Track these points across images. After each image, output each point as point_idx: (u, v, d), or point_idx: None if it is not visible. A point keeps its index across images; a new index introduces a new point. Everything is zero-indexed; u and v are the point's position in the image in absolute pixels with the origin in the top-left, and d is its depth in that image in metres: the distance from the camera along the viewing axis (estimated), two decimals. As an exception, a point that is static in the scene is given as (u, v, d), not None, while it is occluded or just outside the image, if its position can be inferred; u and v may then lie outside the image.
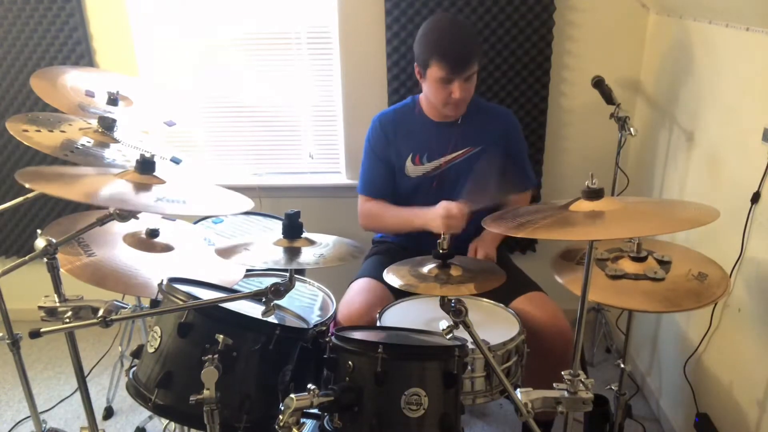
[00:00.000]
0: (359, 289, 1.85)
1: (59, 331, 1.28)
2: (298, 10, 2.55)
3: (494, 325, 1.62)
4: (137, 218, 1.52)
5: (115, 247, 1.61)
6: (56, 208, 2.78)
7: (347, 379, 1.25)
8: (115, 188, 1.32)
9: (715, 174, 1.89)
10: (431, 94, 1.92)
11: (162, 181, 1.40)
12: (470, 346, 1.35)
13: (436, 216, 1.83)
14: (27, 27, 2.51)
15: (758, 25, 1.64)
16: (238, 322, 1.29)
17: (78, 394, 1.57)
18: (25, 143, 1.45)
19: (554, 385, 1.34)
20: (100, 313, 1.30)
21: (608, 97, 2.20)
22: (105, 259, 1.55)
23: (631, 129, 2.07)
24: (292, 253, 1.31)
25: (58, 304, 1.40)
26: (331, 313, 1.64)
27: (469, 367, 1.44)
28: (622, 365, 1.81)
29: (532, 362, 1.62)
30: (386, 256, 2.02)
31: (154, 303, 1.43)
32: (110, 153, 1.56)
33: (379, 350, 1.22)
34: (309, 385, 1.19)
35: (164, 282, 1.32)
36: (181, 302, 1.26)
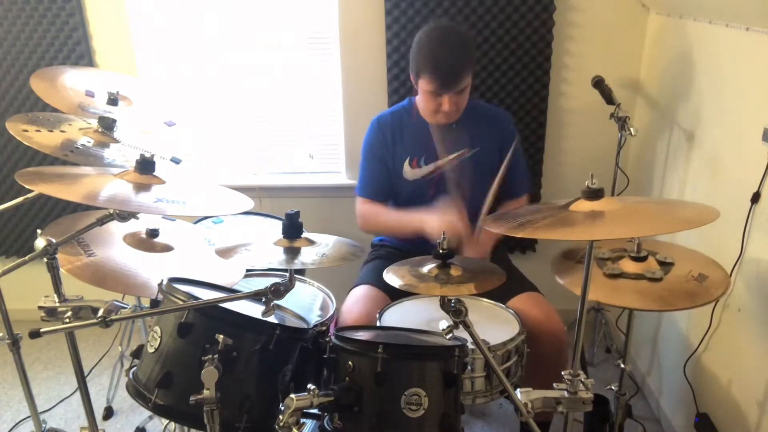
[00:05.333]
0: (359, 297, 1.85)
1: (59, 331, 1.28)
2: (299, 11, 2.55)
3: (494, 325, 1.62)
4: (137, 218, 1.52)
5: (115, 247, 1.61)
6: (56, 208, 2.78)
7: (347, 379, 1.25)
8: (115, 188, 1.32)
9: (715, 174, 1.89)
10: (422, 103, 1.94)
11: (162, 181, 1.39)
12: (470, 346, 1.35)
13: (436, 224, 1.81)
14: (27, 27, 2.51)
15: (758, 25, 1.64)
16: (238, 322, 1.28)
17: (78, 394, 1.57)
18: (25, 143, 1.45)
19: (554, 385, 1.34)
20: (100, 313, 1.30)
21: (608, 97, 2.20)
22: (105, 259, 1.55)
23: (631, 129, 2.07)
24: (292, 253, 1.31)
25: (58, 304, 1.40)
26: (331, 313, 1.64)
27: (469, 367, 1.44)
28: (622, 365, 1.81)
29: (527, 362, 1.62)
30: (385, 261, 2.01)
31: (154, 303, 1.43)
32: (110, 153, 1.56)
33: (379, 350, 1.22)
34: (309, 385, 1.19)
35: (164, 282, 1.32)
36: (181, 302, 1.26)
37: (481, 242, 1.95)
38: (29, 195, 1.49)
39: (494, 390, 1.50)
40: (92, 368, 2.58)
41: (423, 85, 1.87)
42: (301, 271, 1.94)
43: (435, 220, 1.82)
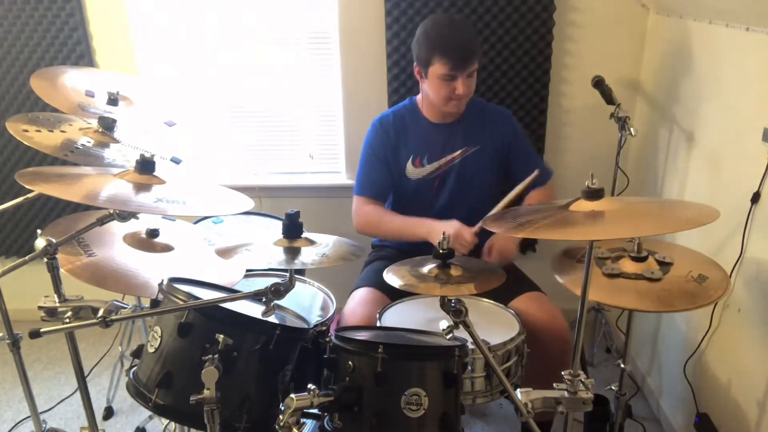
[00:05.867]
0: (361, 300, 1.85)
1: (59, 331, 1.28)
2: (299, 11, 2.55)
3: (494, 325, 1.62)
4: (137, 218, 1.52)
5: (115, 247, 1.61)
6: (56, 208, 2.78)
7: (347, 379, 1.25)
8: (115, 188, 1.32)
9: (715, 174, 1.89)
10: (433, 92, 1.91)
11: (162, 181, 1.39)
12: (470, 346, 1.35)
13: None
14: (27, 27, 2.51)
15: (758, 25, 1.64)
16: (238, 322, 1.29)
17: (78, 394, 1.57)
18: (25, 143, 1.45)
19: (554, 385, 1.34)
20: (100, 313, 1.30)
21: (608, 97, 2.20)
22: (105, 259, 1.55)
23: (631, 129, 2.07)
24: (292, 253, 1.31)
25: (58, 304, 1.40)
26: (331, 313, 1.64)
27: (469, 367, 1.44)
28: (622, 365, 1.81)
29: (530, 363, 1.62)
30: (386, 263, 2.00)
31: (154, 303, 1.43)
32: (110, 153, 1.56)
33: (379, 350, 1.22)
34: (309, 385, 1.19)
35: (164, 282, 1.32)
36: (181, 302, 1.26)
37: (504, 248, 1.93)
38: (29, 195, 1.49)
39: (494, 390, 1.50)
40: (92, 368, 2.57)
41: (436, 71, 1.85)
42: (301, 271, 1.94)
43: (443, 230, 1.81)
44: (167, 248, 1.67)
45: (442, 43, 1.83)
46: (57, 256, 1.39)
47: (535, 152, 2.17)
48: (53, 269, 1.39)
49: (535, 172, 1.88)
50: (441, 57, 1.82)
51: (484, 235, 1.86)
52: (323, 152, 2.78)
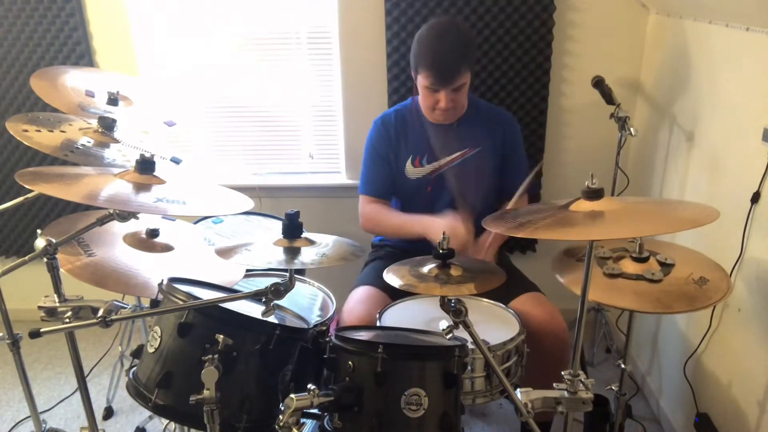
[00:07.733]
0: (360, 298, 1.85)
1: (59, 331, 1.28)
2: (299, 10, 2.55)
3: (494, 325, 1.62)
4: (137, 218, 1.52)
5: (115, 247, 1.61)
6: (56, 208, 2.78)
7: (347, 379, 1.25)
8: (115, 188, 1.32)
9: (715, 174, 1.89)
10: (421, 99, 1.95)
11: (162, 181, 1.40)
12: (470, 346, 1.35)
13: (440, 229, 1.81)
14: (27, 27, 2.51)
15: (758, 25, 1.64)
16: (238, 322, 1.29)
17: (78, 394, 1.57)
18: (25, 143, 1.45)
19: (554, 385, 1.34)
20: (100, 313, 1.30)
21: (608, 97, 2.20)
22: (105, 259, 1.55)
23: (631, 129, 2.07)
24: (292, 253, 1.31)
25: (58, 304, 1.40)
26: (331, 313, 1.64)
27: (469, 367, 1.44)
28: (622, 365, 1.81)
29: (529, 363, 1.62)
30: (386, 262, 2.01)
31: (154, 303, 1.43)
32: (110, 153, 1.56)
33: (379, 350, 1.22)
34: (309, 385, 1.19)
35: (164, 282, 1.32)
36: (181, 302, 1.26)
37: (484, 245, 1.94)
38: (29, 195, 1.49)
39: (494, 390, 1.50)
40: (92, 368, 2.58)
41: (421, 80, 1.88)
42: (301, 271, 1.94)
43: (439, 226, 1.82)
44: (167, 248, 1.67)
45: (427, 56, 1.83)
46: (57, 256, 1.39)
47: (526, 166, 2.15)
48: (53, 269, 1.39)
49: (540, 165, 1.89)
50: (424, 69, 1.84)
51: (480, 229, 1.86)
52: (323, 152, 2.78)
